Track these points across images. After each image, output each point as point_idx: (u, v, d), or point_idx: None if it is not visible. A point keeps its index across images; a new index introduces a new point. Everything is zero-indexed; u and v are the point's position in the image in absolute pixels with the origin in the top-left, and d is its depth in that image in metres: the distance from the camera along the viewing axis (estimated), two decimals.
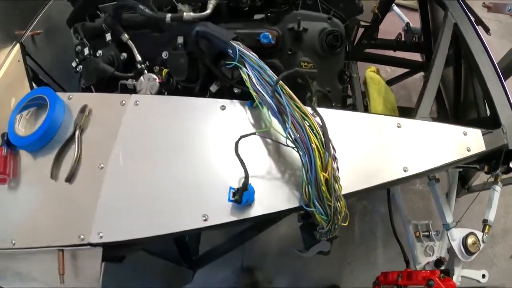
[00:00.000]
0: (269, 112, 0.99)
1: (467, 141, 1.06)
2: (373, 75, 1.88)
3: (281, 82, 0.96)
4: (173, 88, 1.22)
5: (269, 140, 1.02)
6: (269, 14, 1.26)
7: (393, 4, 2.33)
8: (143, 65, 1.28)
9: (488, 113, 1.28)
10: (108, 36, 1.33)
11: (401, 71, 2.46)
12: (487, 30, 2.09)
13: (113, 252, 1.04)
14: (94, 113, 1.17)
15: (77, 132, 1.13)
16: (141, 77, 1.24)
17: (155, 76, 1.22)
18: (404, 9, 2.82)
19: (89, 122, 1.16)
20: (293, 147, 0.94)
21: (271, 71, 1.00)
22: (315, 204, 0.87)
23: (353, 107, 1.86)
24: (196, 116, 1.11)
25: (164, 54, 1.28)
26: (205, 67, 1.22)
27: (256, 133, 1.00)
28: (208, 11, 1.21)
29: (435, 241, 1.43)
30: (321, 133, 0.89)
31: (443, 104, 1.90)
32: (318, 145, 0.87)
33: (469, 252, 1.23)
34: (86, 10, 1.44)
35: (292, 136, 0.92)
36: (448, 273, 1.23)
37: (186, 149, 1.06)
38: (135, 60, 1.30)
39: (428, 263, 1.38)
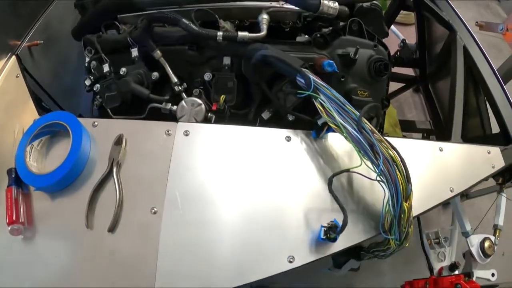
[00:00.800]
0: (356, 146, 0.90)
1: (491, 158, 1.15)
2: None
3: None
4: (225, 116, 1.05)
5: (350, 174, 0.97)
6: (316, 38, 1.17)
7: None
8: (181, 87, 1.10)
9: (493, 131, 1.42)
10: (135, 52, 1.15)
11: (396, 85, 2.51)
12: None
13: None
14: (131, 144, 0.97)
15: (114, 169, 0.93)
16: (182, 102, 1.07)
17: (199, 101, 1.06)
18: (397, 25, 2.87)
19: (127, 156, 0.96)
20: (379, 181, 0.90)
21: (350, 105, 0.92)
22: (395, 232, 0.89)
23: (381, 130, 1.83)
24: (261, 147, 0.98)
25: (207, 76, 1.13)
26: (261, 92, 1.08)
27: (350, 170, 0.93)
28: (264, 32, 1.10)
29: (446, 247, 1.51)
30: (403, 169, 0.87)
31: (437, 118, 1.97)
32: (401, 179, 0.87)
33: (486, 255, 1.32)
34: (100, 20, 1.22)
35: (384, 174, 0.88)
36: (469, 276, 1.32)
37: (253, 185, 0.93)
38: (168, 80, 1.12)
39: (441, 268, 1.45)
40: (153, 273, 0.83)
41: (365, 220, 0.94)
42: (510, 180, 1.28)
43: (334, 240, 0.86)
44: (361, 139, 0.87)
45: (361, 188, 0.97)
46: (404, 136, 1.95)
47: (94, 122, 1.02)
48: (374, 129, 0.89)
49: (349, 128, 0.89)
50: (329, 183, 0.91)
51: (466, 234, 1.39)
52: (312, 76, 0.94)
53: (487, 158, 1.14)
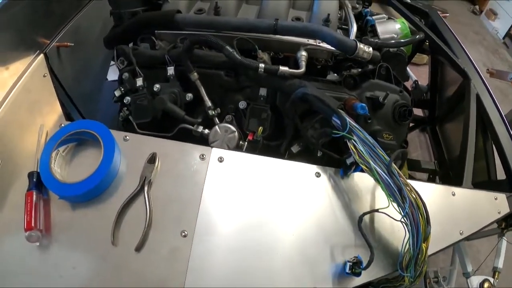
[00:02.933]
0: (386, 189, 0.93)
1: (498, 204, 1.19)
2: None
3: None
4: (257, 146, 1.05)
5: (376, 214, 1.00)
6: (347, 78, 1.21)
7: None
8: (214, 112, 1.10)
9: (498, 177, 1.46)
10: (171, 70, 1.14)
11: None
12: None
13: None
14: (163, 163, 0.96)
15: (146, 188, 0.91)
16: (216, 127, 1.07)
17: (233, 128, 1.07)
18: (410, 65, 2.98)
19: (158, 175, 0.94)
20: (403, 222, 0.92)
21: (381, 148, 0.95)
22: (411, 270, 0.91)
23: None
24: (291, 181, 0.99)
25: (242, 104, 1.14)
26: (294, 127, 1.09)
27: (379, 211, 0.95)
28: (303, 69, 1.13)
29: (444, 286, 1.56)
30: (424, 211, 0.91)
31: (443, 160, 2.02)
32: (422, 221, 0.91)
33: None
34: (137, 33, 1.22)
35: (409, 216, 0.91)
36: None
37: (283, 217, 0.94)
38: (201, 104, 1.13)
39: None
40: None
41: (384, 257, 0.96)
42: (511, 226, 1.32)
43: (359, 274, 0.88)
44: (391, 183, 0.90)
45: (383, 227, 0.99)
46: (410, 175, 1.99)
47: (126, 136, 1.00)
48: (401, 173, 0.92)
49: (380, 171, 0.91)
50: (359, 221, 0.94)
51: (467, 275, 1.43)
52: (348, 119, 0.97)
53: (494, 204, 1.18)
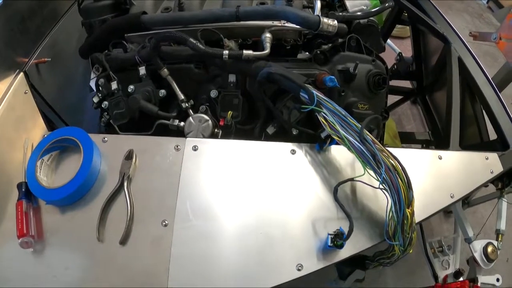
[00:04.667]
0: (359, 157, 0.94)
1: (489, 164, 1.19)
2: None
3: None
4: (230, 131, 1.09)
5: (354, 183, 1.02)
6: (317, 54, 1.23)
7: None
8: (187, 104, 1.15)
9: (491, 138, 1.47)
10: (142, 70, 1.19)
11: (394, 98, 2.56)
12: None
13: None
14: (141, 159, 1.01)
15: (125, 183, 0.96)
16: (190, 118, 1.11)
17: (206, 117, 1.11)
18: (393, 39, 2.95)
19: (137, 170, 0.99)
20: (381, 189, 0.94)
21: (351, 117, 0.96)
22: (399, 238, 0.92)
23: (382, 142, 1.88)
24: (267, 161, 1.02)
25: (213, 93, 1.17)
26: (266, 108, 1.12)
27: (354, 180, 0.98)
28: (267, 50, 1.15)
29: (449, 255, 1.55)
30: (404, 175, 0.92)
31: (436, 129, 2.03)
32: (403, 186, 0.91)
33: (489, 260, 1.35)
34: (108, 39, 1.27)
35: (387, 182, 0.92)
36: (474, 281, 1.36)
37: (261, 197, 0.97)
38: (175, 98, 1.17)
39: (446, 275, 1.48)
40: (165, 286, 0.85)
41: (370, 227, 0.98)
42: (509, 185, 1.32)
43: (341, 246, 0.89)
44: (364, 150, 0.92)
45: (364, 197, 1.01)
46: (403, 147, 2.00)
47: (104, 138, 1.05)
48: (376, 140, 0.94)
49: (352, 139, 0.93)
50: (335, 191, 0.96)
51: (468, 240, 1.43)
52: (315, 92, 0.99)
53: (485, 164, 1.19)
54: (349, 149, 0.95)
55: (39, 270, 0.90)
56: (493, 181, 1.28)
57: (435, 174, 1.12)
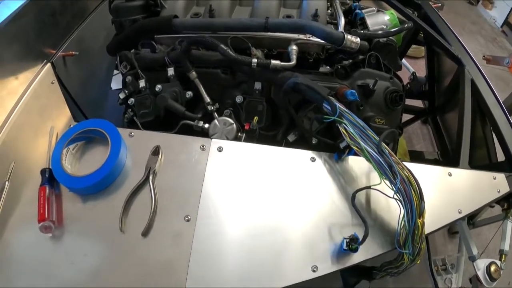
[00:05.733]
0: (377, 167, 0.99)
1: (497, 184, 1.24)
2: None
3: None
4: (253, 135, 1.13)
5: (370, 192, 1.07)
6: (339, 69, 1.30)
7: None
8: (213, 107, 1.19)
9: (499, 159, 1.50)
10: (171, 71, 1.23)
11: (405, 117, 2.63)
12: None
13: None
14: (166, 155, 1.04)
15: (151, 178, 0.99)
16: (215, 121, 1.15)
17: (231, 121, 1.15)
18: (408, 59, 3.04)
19: (162, 166, 1.02)
20: (396, 199, 0.99)
21: (371, 130, 1.02)
22: (409, 247, 0.97)
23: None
24: (287, 166, 1.06)
25: (239, 99, 1.22)
26: (289, 116, 1.17)
27: (371, 188, 1.02)
28: (294, 61, 1.21)
29: (452, 274, 1.59)
30: (417, 187, 0.97)
31: (445, 149, 2.07)
32: (416, 197, 0.96)
33: (492, 279, 1.38)
34: (138, 39, 1.31)
35: (400, 191, 0.97)
36: None
37: (280, 200, 1.01)
38: (201, 100, 1.21)
39: None
40: (183, 279, 0.88)
41: (382, 235, 1.02)
42: None
43: (355, 250, 0.94)
44: (381, 161, 0.97)
45: (378, 206, 1.06)
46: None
47: (131, 133, 1.09)
48: (392, 153, 0.99)
49: (370, 150, 0.98)
50: (352, 198, 1.00)
51: (472, 258, 1.46)
52: (337, 104, 1.04)
53: (493, 184, 1.24)
54: (367, 159, 0.99)
55: (57, 255, 0.91)
56: (499, 201, 1.33)
57: (445, 189, 1.18)
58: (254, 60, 1.15)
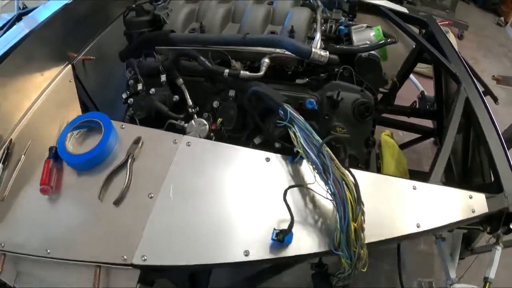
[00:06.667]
0: (314, 168, 1.16)
1: (472, 203, 1.24)
2: (387, 139, 2.08)
3: (324, 144, 1.16)
4: (222, 136, 1.38)
5: (308, 191, 1.20)
6: (310, 81, 1.51)
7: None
8: (193, 110, 1.45)
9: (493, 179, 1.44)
10: (163, 77, 1.52)
11: (413, 136, 2.70)
12: (495, 100, 2.35)
13: (147, 276, 1.15)
14: (146, 145, 1.32)
15: (129, 161, 1.27)
16: (192, 121, 1.41)
17: (205, 122, 1.40)
18: (419, 76, 3.08)
19: (141, 153, 1.29)
20: (331, 200, 1.12)
21: (316, 134, 1.19)
22: (344, 249, 1.04)
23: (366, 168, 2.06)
24: (243, 164, 1.29)
25: (215, 104, 1.48)
26: (253, 121, 1.40)
27: (304, 186, 1.20)
28: (262, 72, 1.43)
29: None
30: (354, 190, 1.09)
31: (451, 168, 2.02)
32: (352, 200, 1.05)
33: None
34: (142, 49, 1.61)
35: (331, 191, 1.11)
36: None
37: (231, 192, 1.24)
38: (185, 103, 1.48)
39: None
40: (136, 244, 1.13)
41: (321, 235, 1.13)
42: (497, 229, 1.32)
43: (282, 241, 1.07)
44: (317, 162, 1.12)
45: (321, 206, 1.18)
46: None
47: (122, 125, 1.38)
48: (333, 156, 1.14)
49: (310, 152, 1.15)
50: (284, 193, 1.15)
51: (450, 282, 1.49)
52: (289, 109, 1.24)
53: (467, 203, 1.25)
54: (306, 160, 1.17)
55: (50, 212, 1.22)
56: (482, 223, 1.33)
57: (404, 201, 1.24)
58: (226, 70, 1.41)
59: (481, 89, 1.74)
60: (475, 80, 1.69)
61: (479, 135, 1.51)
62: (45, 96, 1.49)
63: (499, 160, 1.36)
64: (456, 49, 1.91)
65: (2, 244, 1.17)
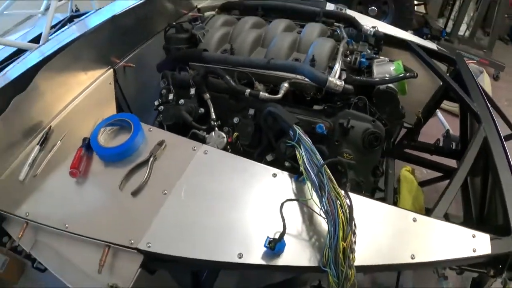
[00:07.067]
0: (312, 186, 1.27)
1: (475, 242, 1.24)
2: (407, 174, 2.13)
3: (325, 166, 1.26)
4: (237, 149, 1.53)
5: (306, 208, 1.30)
6: (325, 108, 1.65)
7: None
8: (215, 123, 1.62)
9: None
10: (192, 91, 1.71)
11: (435, 174, 2.70)
12: None
13: (150, 264, 1.29)
14: (167, 148, 1.48)
15: (151, 159, 1.44)
16: (212, 133, 1.58)
17: (224, 135, 1.56)
18: (447, 114, 3.04)
19: (162, 154, 1.46)
20: (324, 217, 1.20)
21: (319, 156, 1.30)
22: (331, 266, 1.10)
23: (382, 201, 2.06)
24: (252, 176, 1.42)
25: (235, 120, 1.64)
26: (267, 139, 1.55)
27: (299, 200, 1.30)
28: (280, 95, 1.59)
29: None
30: (347, 211, 1.17)
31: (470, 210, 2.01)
32: (343, 220, 1.12)
33: None
34: (178, 63, 1.80)
35: (325, 209, 1.19)
36: None
37: (237, 199, 1.37)
38: (209, 116, 1.66)
39: None
40: (144, 231, 1.27)
41: (312, 250, 1.20)
42: (501, 273, 1.29)
43: (273, 249, 1.14)
44: (315, 180, 1.22)
45: (317, 223, 1.27)
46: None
47: (150, 128, 1.56)
48: (332, 178, 1.23)
49: (311, 171, 1.25)
50: (281, 206, 1.24)
51: None
52: (298, 131, 1.36)
53: (469, 241, 1.25)
54: (306, 177, 1.27)
55: (73, 193, 1.41)
56: (486, 266, 1.33)
57: (403, 232, 1.28)
58: (248, 90, 1.58)
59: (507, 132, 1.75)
60: (495, 120, 1.70)
61: (494, 177, 1.52)
62: (86, 93, 1.70)
63: (511, 202, 1.36)
64: (487, 90, 1.94)
65: (27, 213, 1.36)
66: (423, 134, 2.50)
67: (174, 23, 1.95)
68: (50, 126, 1.57)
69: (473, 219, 1.89)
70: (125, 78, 1.91)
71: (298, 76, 1.64)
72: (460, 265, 1.38)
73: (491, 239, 1.25)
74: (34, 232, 1.38)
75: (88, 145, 1.49)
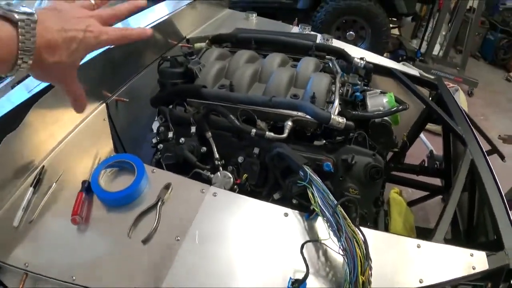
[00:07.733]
0: (328, 225, 1.32)
1: (473, 261, 1.33)
2: (396, 196, 2.24)
3: (339, 205, 1.33)
4: (245, 189, 1.53)
5: (321, 245, 1.35)
6: (326, 143, 1.72)
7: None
8: (219, 162, 1.61)
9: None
10: (193, 129, 1.71)
11: (421, 193, 2.85)
12: (502, 157, 2.51)
13: None
14: (174, 191, 1.47)
15: (159, 204, 1.40)
16: (218, 173, 1.59)
17: (230, 175, 1.57)
18: (429, 134, 3.26)
19: (170, 198, 1.44)
20: (342, 255, 1.26)
21: (332, 196, 1.36)
22: None
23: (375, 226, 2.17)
24: (264, 216, 1.45)
25: (240, 159, 1.65)
26: (274, 178, 1.56)
27: (319, 241, 1.35)
28: (285, 135, 1.64)
29: None
30: (364, 247, 1.24)
31: (458, 225, 2.14)
32: (361, 256, 1.21)
33: None
34: (174, 99, 1.79)
35: (343, 247, 1.26)
36: None
37: (252, 241, 1.38)
38: (212, 155, 1.66)
39: None
40: (161, 280, 1.25)
41: (333, 286, 1.28)
42: (498, 286, 1.36)
43: None
44: (332, 220, 1.28)
45: (334, 261, 1.33)
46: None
47: (153, 170, 1.54)
48: (346, 216, 1.29)
49: (326, 211, 1.31)
50: (301, 247, 1.29)
51: None
52: (309, 171, 1.42)
53: (468, 260, 1.33)
54: (321, 217, 1.33)
55: (78, 243, 1.36)
56: (484, 281, 1.41)
57: (409, 259, 1.35)
58: (253, 130, 1.61)
59: (488, 147, 1.88)
60: (479, 142, 1.82)
61: (482, 197, 1.63)
62: (80, 130, 1.65)
63: (501, 219, 1.46)
64: (465, 108, 2.09)
65: (26, 264, 1.29)
66: (407, 156, 2.66)
67: (168, 57, 1.94)
68: (43, 166, 1.50)
69: (461, 233, 2.04)
70: (117, 113, 1.87)
71: (300, 114, 1.70)
72: (461, 283, 1.44)
73: (487, 255, 1.34)
74: (34, 283, 1.30)
75: (88, 189, 1.44)
